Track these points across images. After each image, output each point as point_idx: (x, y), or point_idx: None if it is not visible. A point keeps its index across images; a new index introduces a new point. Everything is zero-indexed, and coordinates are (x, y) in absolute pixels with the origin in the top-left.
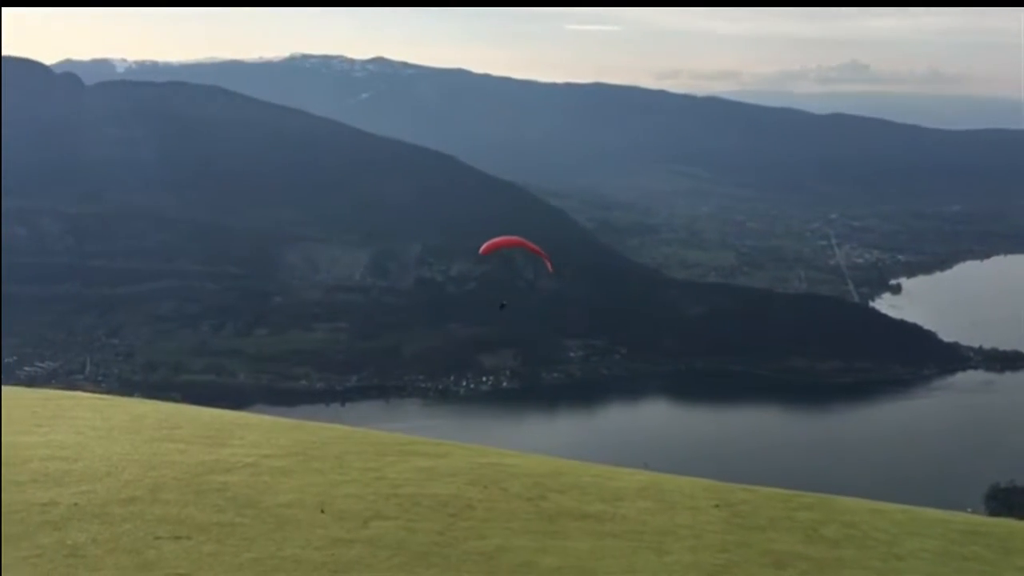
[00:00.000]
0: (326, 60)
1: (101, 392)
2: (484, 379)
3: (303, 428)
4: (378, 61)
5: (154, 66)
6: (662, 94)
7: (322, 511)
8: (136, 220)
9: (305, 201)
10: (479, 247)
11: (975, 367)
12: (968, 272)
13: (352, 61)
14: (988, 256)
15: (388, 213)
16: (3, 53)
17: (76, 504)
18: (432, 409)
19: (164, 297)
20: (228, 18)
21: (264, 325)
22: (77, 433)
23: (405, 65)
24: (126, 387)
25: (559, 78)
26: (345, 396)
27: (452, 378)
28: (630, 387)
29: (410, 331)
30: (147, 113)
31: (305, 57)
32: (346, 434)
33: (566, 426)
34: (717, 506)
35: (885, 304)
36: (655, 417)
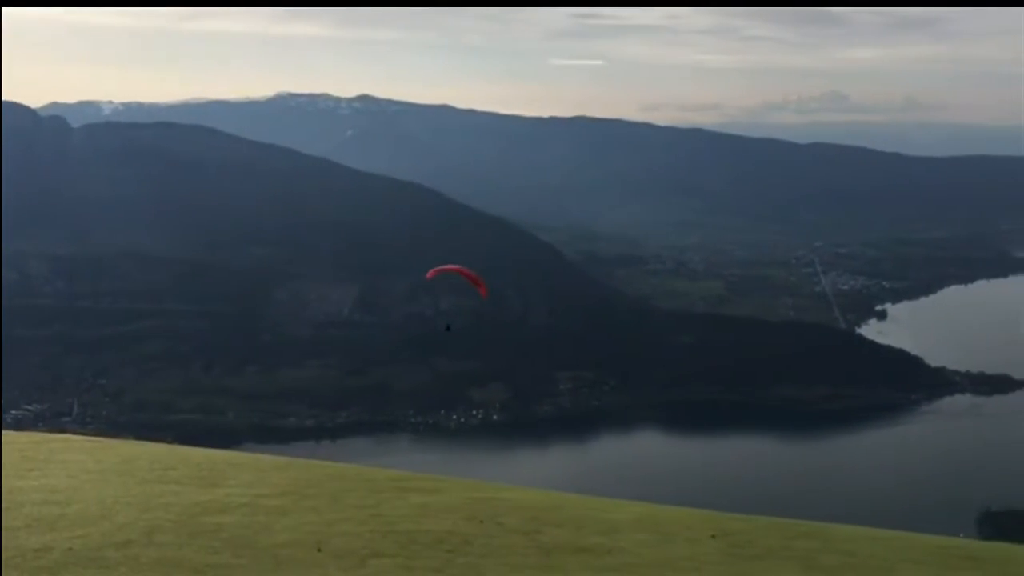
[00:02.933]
0: (312, 98)
1: (90, 434)
2: (474, 413)
3: (296, 466)
4: (363, 98)
5: (140, 107)
6: (647, 127)
7: (319, 550)
8: (124, 261)
9: (293, 238)
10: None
11: (962, 391)
12: (952, 297)
13: (338, 99)
14: (971, 281)
15: (376, 249)
16: None
17: (71, 549)
18: (423, 444)
19: (152, 337)
20: (213, 58)
21: (253, 363)
22: (69, 476)
23: (390, 102)
24: (115, 428)
25: (544, 112)
26: (335, 433)
27: (442, 412)
28: (621, 418)
29: (399, 366)
30: (134, 154)
31: (291, 96)
32: (340, 471)
33: (559, 459)
34: (714, 537)
35: (872, 330)
36: (648, 448)
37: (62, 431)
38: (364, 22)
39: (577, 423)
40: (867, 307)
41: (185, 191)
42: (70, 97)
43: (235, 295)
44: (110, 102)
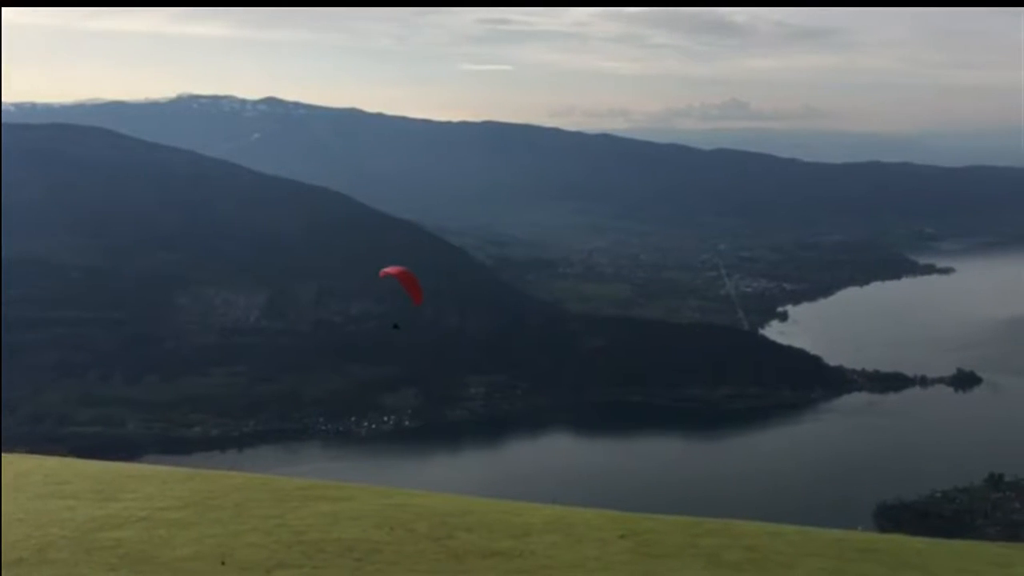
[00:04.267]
0: (215, 100)
1: None
2: (386, 419)
3: (199, 477)
4: (269, 101)
5: (33, 108)
6: (555, 132)
7: (223, 563)
8: (17, 267)
9: (197, 243)
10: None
11: (859, 389)
12: (849, 298)
13: (243, 101)
14: (867, 282)
15: (284, 254)
16: None
17: None
18: (334, 451)
19: (49, 346)
20: (110, 58)
21: (155, 372)
22: None
23: (297, 105)
24: (9, 442)
25: (454, 117)
26: (243, 442)
27: (353, 419)
28: (533, 421)
29: (309, 373)
30: (28, 156)
31: (193, 97)
32: (245, 481)
33: (471, 463)
34: (623, 536)
35: (774, 331)
36: (559, 450)
37: None
38: (268, 23)
39: (489, 427)
40: (769, 309)
41: (82, 194)
42: None
43: (135, 302)
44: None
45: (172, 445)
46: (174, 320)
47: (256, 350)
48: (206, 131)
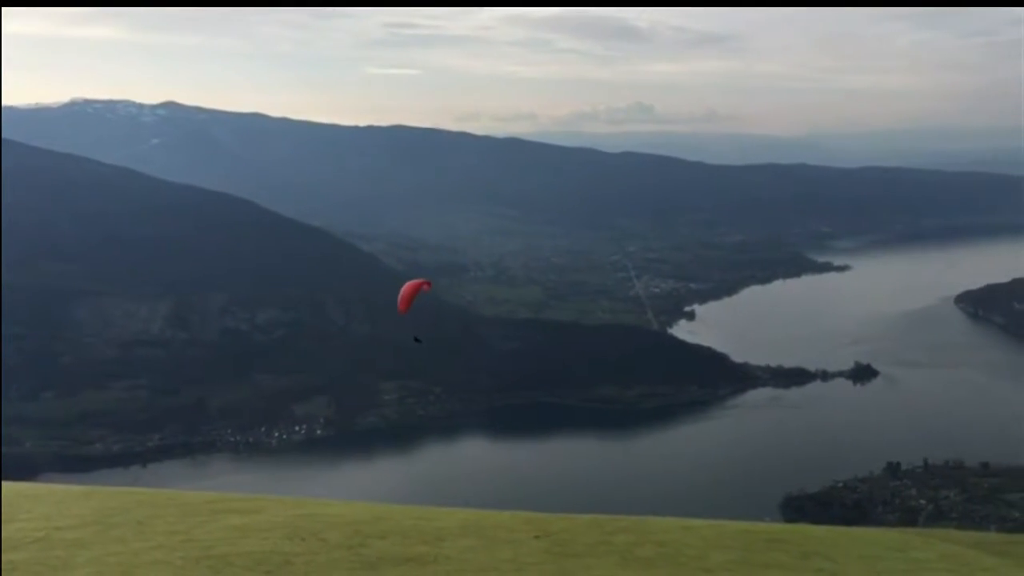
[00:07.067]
0: (111, 105)
1: None
2: (297, 428)
3: (100, 494)
4: (169, 105)
5: None
6: (464, 136)
7: None
8: None
9: (95, 253)
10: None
11: (764, 385)
12: (752, 297)
13: (140, 106)
14: (769, 281)
15: (187, 262)
16: None
17: None
18: (243, 463)
19: None
20: None
21: (51, 388)
22: None
23: (199, 110)
24: None
25: (361, 121)
26: (147, 457)
27: (263, 429)
28: (447, 426)
29: (216, 384)
30: None
31: (87, 102)
32: (149, 497)
33: (384, 470)
34: (537, 537)
35: (682, 330)
36: (473, 454)
37: None
38: (164, 26)
39: (403, 433)
40: (677, 308)
41: None
42: None
43: (29, 315)
44: None
45: (72, 463)
46: (71, 333)
47: (159, 362)
48: (102, 137)
